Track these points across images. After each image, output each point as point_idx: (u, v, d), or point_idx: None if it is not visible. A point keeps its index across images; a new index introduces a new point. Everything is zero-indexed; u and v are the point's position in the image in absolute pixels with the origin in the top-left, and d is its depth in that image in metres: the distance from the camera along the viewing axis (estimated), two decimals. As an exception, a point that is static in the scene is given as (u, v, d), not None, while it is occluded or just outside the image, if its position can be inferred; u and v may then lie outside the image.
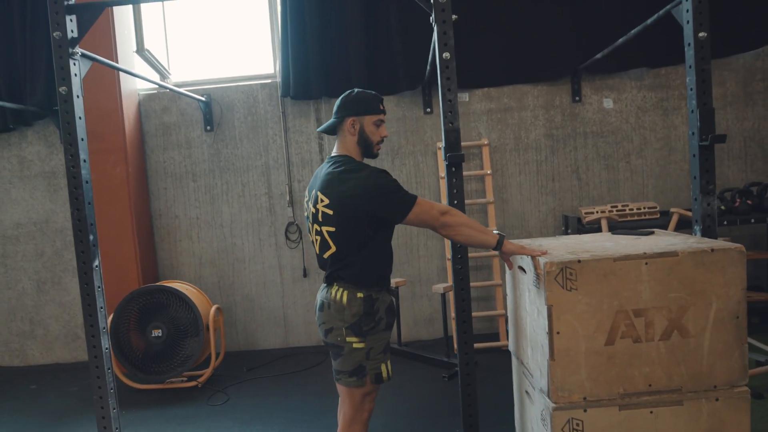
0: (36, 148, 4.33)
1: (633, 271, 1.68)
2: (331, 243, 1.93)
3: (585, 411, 1.70)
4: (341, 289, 1.91)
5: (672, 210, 3.58)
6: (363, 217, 1.87)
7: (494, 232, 1.91)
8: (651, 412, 1.70)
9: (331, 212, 1.90)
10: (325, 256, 1.96)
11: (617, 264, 1.68)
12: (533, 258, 1.76)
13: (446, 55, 2.20)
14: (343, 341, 1.91)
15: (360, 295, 1.89)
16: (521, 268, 1.96)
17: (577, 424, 1.71)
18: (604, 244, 1.93)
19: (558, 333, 1.69)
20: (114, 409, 2.45)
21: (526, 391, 2.04)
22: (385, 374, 1.94)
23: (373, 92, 2.01)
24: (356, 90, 2.01)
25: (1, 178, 4.36)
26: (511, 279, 2.17)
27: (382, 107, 2.00)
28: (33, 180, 4.34)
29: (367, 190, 1.84)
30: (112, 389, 2.44)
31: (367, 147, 1.99)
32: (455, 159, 2.20)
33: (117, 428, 2.46)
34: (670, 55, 3.96)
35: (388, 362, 1.96)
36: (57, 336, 4.42)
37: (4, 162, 4.34)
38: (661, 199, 4.15)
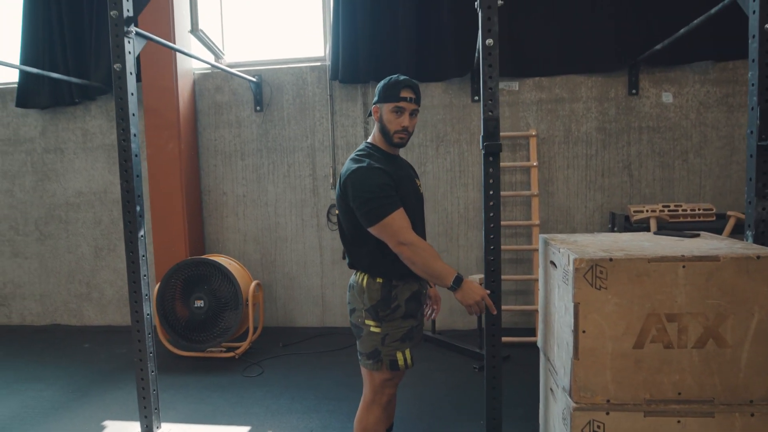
0: (98, 122, 4.57)
1: (669, 274, 1.60)
2: (340, 225, 2.01)
3: (607, 414, 1.66)
4: (363, 273, 1.95)
5: (729, 213, 3.38)
6: (351, 210, 1.88)
7: (455, 275, 1.83)
8: (678, 422, 1.64)
9: (336, 195, 1.98)
10: (341, 238, 2.03)
11: (652, 265, 1.61)
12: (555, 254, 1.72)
13: (489, 41, 2.14)
14: (362, 323, 1.94)
15: (379, 280, 1.91)
16: (552, 263, 1.91)
17: (599, 427, 1.66)
18: (642, 243, 1.86)
19: (584, 332, 1.64)
20: (152, 371, 2.59)
21: (551, 389, 2.00)
22: (401, 362, 1.92)
23: (400, 78, 1.93)
24: (389, 77, 1.97)
25: (67, 149, 4.63)
26: (544, 274, 2.12)
27: (404, 95, 1.89)
28: (95, 152, 4.59)
29: (350, 187, 1.84)
30: (151, 353, 2.57)
31: (386, 135, 1.94)
32: (492, 148, 2.16)
33: (154, 389, 2.60)
34: (739, 47, 3.71)
35: (407, 351, 1.93)
36: (111, 300, 4.69)
37: (70, 133, 4.61)
38: (719, 202, 3.92)
